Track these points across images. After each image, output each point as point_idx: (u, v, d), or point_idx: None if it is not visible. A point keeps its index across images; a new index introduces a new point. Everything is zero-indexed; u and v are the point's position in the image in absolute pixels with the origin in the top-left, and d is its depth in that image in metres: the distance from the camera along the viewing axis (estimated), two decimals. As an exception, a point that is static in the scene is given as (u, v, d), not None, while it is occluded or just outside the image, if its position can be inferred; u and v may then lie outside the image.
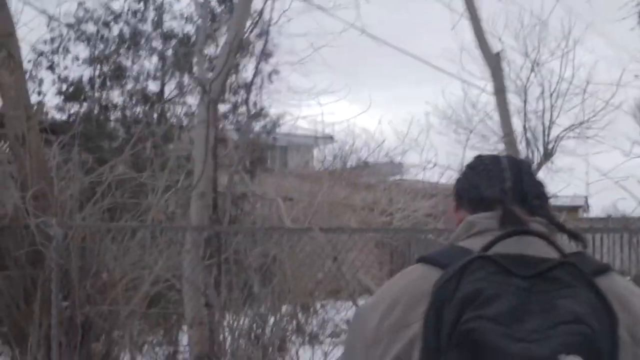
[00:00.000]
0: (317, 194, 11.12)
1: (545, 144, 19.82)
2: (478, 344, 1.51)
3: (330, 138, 19.03)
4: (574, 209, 17.08)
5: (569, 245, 1.79)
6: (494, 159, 2.07)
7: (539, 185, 1.98)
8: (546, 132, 19.91)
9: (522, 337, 1.50)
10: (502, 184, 1.94)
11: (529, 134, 19.77)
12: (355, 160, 20.63)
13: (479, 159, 2.11)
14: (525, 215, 1.83)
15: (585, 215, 20.09)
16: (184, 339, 8.00)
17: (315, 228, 5.43)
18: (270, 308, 6.67)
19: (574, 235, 1.83)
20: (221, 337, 6.64)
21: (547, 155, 19.62)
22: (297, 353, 6.92)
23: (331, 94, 19.35)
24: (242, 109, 9.70)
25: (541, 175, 19.53)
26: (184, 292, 6.77)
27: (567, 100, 22.82)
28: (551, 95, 19.82)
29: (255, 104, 8.51)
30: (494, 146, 20.15)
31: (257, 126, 9.42)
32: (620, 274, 1.90)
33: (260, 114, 8.17)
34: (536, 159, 19.79)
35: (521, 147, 20.03)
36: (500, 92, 4.83)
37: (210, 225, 6.32)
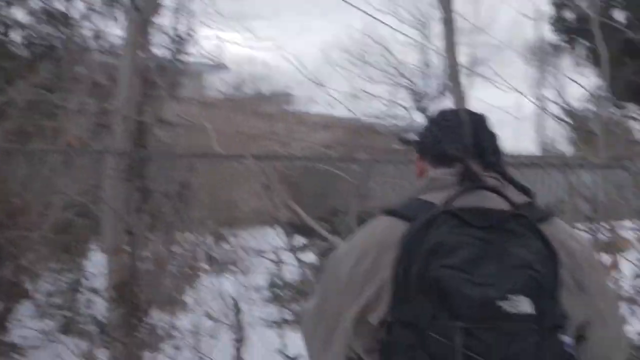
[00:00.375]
0: (219, 122, 11.02)
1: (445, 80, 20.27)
2: (443, 290, 1.73)
3: (223, 66, 18.78)
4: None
5: (519, 195, 1.99)
6: (455, 114, 2.22)
7: (494, 140, 2.17)
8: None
9: (480, 282, 1.73)
10: (462, 140, 2.10)
11: (428, 70, 20.11)
12: (253, 90, 20.50)
13: (441, 114, 2.26)
14: (481, 170, 2.02)
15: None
16: (89, 266, 7.85)
17: (247, 154, 5.38)
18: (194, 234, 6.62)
19: (523, 190, 2.02)
20: (140, 264, 6.54)
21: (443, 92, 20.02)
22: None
23: (258, 20, 19.10)
24: (158, 32, 9.43)
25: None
26: (103, 219, 6.61)
27: (468, 38, 23.29)
28: (453, 32, 20.19)
29: (178, 27, 8.26)
30: (394, 79, 20.47)
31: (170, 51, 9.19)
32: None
33: (189, 38, 7.98)
34: (433, 94, 20.18)
35: (420, 82, 20.39)
36: (448, 22, 4.86)
37: (135, 150, 6.16)
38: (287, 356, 5.91)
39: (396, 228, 1.89)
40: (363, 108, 17.32)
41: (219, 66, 18.21)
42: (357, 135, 16.14)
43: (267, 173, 5.40)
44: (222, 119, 12.34)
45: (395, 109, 19.58)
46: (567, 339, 1.79)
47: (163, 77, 7.09)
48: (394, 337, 1.81)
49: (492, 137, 2.16)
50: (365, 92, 18.31)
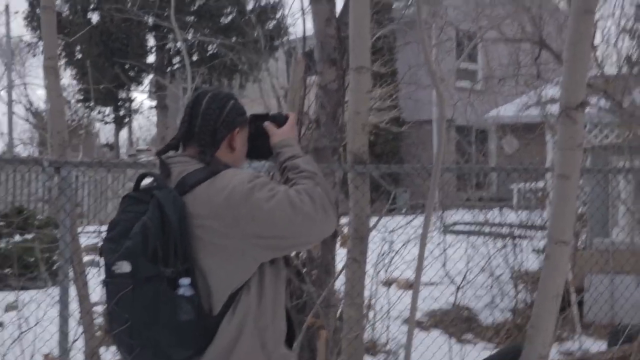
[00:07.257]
0: None
1: None
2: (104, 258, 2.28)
3: None
4: None
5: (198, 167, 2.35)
6: (192, 98, 2.50)
7: (205, 125, 2.42)
8: None
9: (112, 250, 2.24)
10: (181, 126, 2.46)
11: None
12: None
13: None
14: (190, 150, 2.42)
15: None
16: None
17: None
18: None
19: (208, 163, 2.36)
20: None
21: None
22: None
23: None
24: None
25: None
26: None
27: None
28: None
29: None
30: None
31: None
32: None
33: None
34: None
35: None
36: (49, 10, 4.80)
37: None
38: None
39: None
40: None
41: None
42: None
43: None
44: None
45: None
46: (183, 281, 2.20)
47: None
48: None
49: (204, 121, 2.41)
50: None
